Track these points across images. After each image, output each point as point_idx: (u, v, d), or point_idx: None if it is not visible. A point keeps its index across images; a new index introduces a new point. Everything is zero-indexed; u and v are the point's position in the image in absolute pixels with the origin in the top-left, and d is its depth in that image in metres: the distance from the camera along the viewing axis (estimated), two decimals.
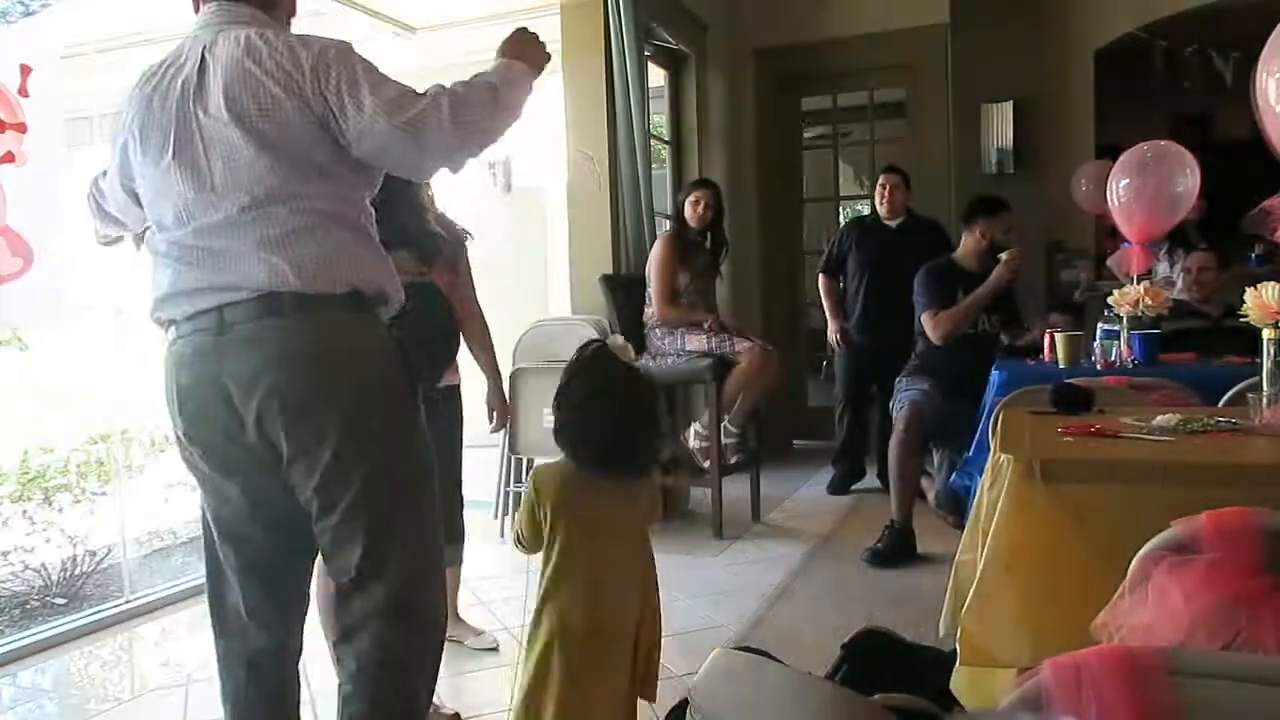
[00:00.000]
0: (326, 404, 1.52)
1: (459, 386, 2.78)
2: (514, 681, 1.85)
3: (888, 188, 4.72)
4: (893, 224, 4.76)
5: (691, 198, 4.25)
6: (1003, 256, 3.70)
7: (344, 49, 1.54)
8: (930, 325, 3.78)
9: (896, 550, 3.61)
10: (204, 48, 1.54)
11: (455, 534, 2.78)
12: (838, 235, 5.00)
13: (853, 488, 4.88)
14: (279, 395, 1.50)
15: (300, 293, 1.50)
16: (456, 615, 2.91)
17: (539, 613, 1.69)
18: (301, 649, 1.77)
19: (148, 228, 1.64)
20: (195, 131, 1.52)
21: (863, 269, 4.78)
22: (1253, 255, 5.54)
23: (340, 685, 1.64)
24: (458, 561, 2.83)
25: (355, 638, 1.60)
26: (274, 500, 1.61)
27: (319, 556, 1.68)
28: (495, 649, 2.82)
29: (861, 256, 4.79)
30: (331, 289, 1.52)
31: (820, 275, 4.97)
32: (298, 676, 1.77)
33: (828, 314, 4.94)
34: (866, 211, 5.21)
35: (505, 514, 4.02)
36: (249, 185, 1.49)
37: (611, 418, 1.69)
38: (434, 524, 1.67)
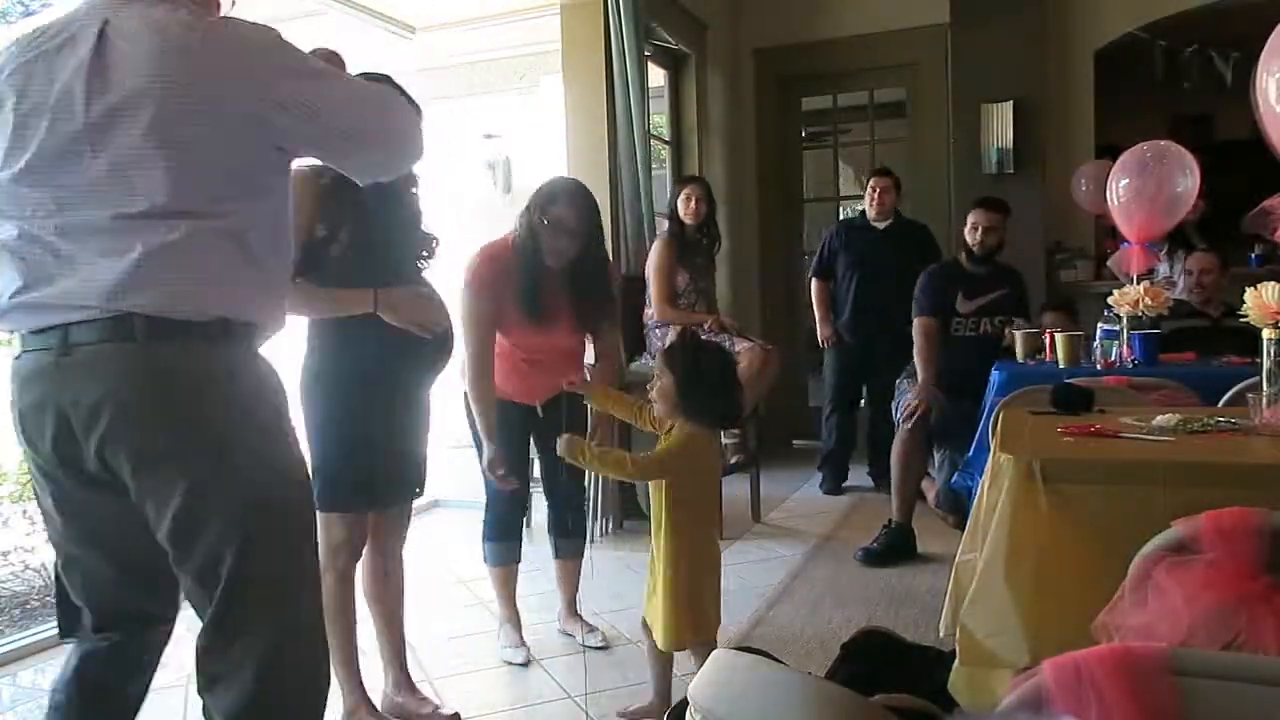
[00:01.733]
0: (178, 438, 1.36)
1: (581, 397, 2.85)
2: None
3: (878, 190, 4.75)
4: (880, 226, 4.79)
5: (684, 194, 4.25)
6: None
7: (279, 39, 1.44)
8: (916, 329, 3.83)
9: (893, 549, 3.61)
10: (103, 22, 1.35)
11: (578, 530, 2.94)
12: (826, 239, 5.02)
13: (846, 485, 4.89)
14: (123, 428, 1.34)
15: (156, 317, 1.34)
16: (573, 611, 2.97)
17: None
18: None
19: None
20: (82, 117, 1.33)
21: (851, 270, 4.82)
22: (1253, 255, 5.54)
23: None
24: (579, 555, 2.94)
25: (217, 689, 1.42)
26: (123, 536, 1.45)
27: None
28: (606, 648, 2.84)
29: (850, 258, 4.83)
30: (195, 316, 1.36)
31: (813, 280, 5.00)
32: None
33: (818, 318, 4.97)
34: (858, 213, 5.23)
35: None
36: (142, 191, 1.33)
37: (731, 385, 2.22)
38: (310, 563, 1.53)
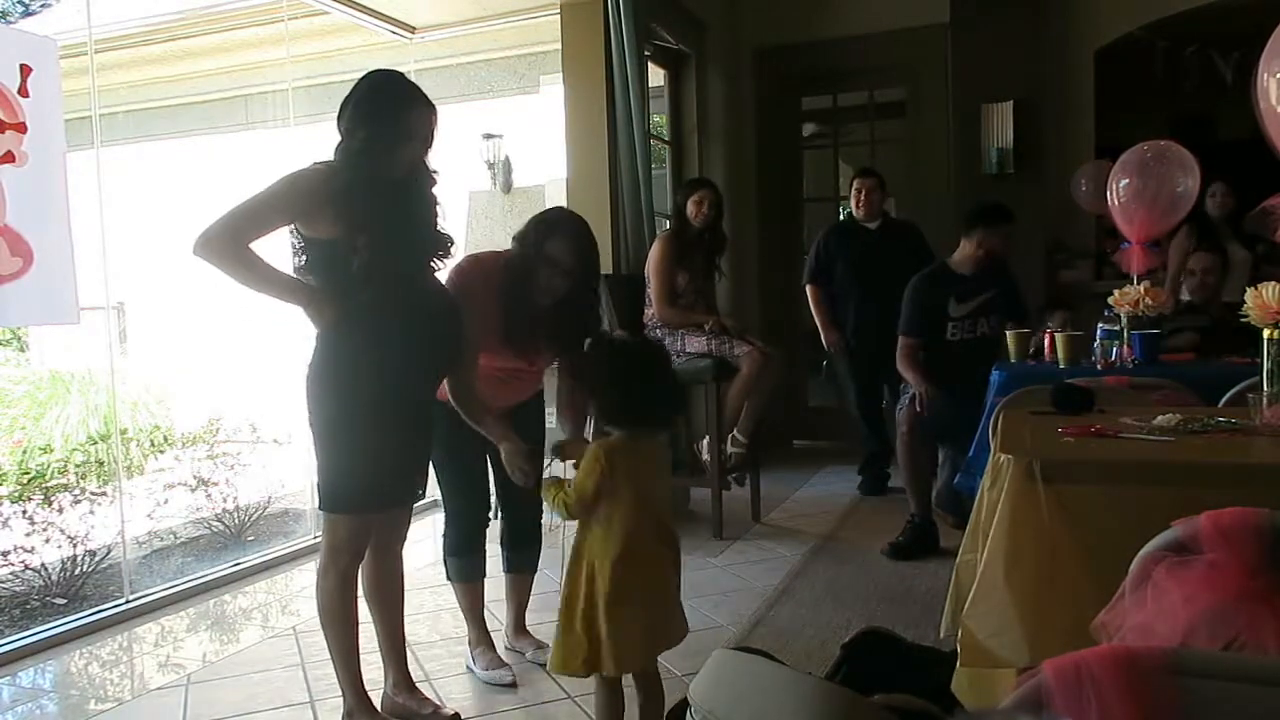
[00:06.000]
0: None
1: (541, 392, 2.74)
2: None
3: (864, 191, 4.70)
4: (872, 226, 4.75)
5: (695, 196, 4.22)
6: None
7: None
8: (899, 348, 3.81)
9: (917, 543, 3.65)
10: None
11: (532, 540, 2.79)
12: (818, 244, 4.93)
13: (891, 485, 4.76)
14: None
15: None
16: (521, 627, 2.85)
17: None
18: None
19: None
20: None
21: (853, 276, 4.74)
22: None
23: None
24: (532, 569, 2.81)
25: None
26: None
27: None
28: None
29: (847, 262, 4.76)
30: None
31: (807, 287, 4.92)
32: None
33: (820, 325, 4.89)
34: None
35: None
36: None
37: (663, 377, 2.03)
38: None
